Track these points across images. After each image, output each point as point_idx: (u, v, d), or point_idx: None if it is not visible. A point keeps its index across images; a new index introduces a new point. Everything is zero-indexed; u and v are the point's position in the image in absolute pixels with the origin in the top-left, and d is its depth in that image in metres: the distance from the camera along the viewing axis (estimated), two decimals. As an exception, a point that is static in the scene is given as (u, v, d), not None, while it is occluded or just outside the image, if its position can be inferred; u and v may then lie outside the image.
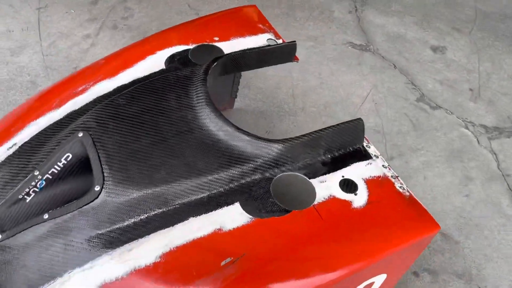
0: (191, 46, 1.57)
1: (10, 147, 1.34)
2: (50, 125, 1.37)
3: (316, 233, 1.17)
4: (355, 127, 1.32)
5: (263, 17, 1.76)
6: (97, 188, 1.14)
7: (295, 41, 1.56)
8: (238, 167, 1.20)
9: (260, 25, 1.71)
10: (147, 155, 1.20)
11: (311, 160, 1.28)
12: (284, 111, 2.26)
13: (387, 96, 2.41)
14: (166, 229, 1.13)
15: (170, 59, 1.51)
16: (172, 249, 1.10)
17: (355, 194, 1.23)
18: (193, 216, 1.14)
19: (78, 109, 1.38)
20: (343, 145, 1.32)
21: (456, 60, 2.69)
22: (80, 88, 1.47)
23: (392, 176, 1.29)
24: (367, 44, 2.69)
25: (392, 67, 2.57)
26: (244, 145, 1.23)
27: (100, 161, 1.18)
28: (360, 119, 1.32)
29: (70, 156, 1.23)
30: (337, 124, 1.30)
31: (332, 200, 1.22)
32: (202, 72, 1.38)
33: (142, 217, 1.13)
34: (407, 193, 1.26)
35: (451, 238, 1.85)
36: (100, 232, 1.11)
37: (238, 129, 1.24)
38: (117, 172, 1.16)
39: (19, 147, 1.33)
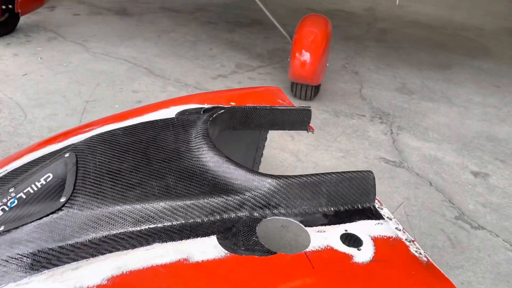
0: (205, 106, 1.57)
1: (1, 173, 1.30)
2: (46, 154, 1.34)
3: (303, 282, 0.94)
4: (364, 180, 1.16)
5: (284, 96, 1.77)
6: (62, 199, 1.03)
7: (309, 107, 1.52)
8: (223, 198, 1.06)
9: (280, 100, 1.71)
10: (126, 175, 1.10)
11: (310, 209, 1.11)
12: (304, 210, 2.09)
13: (421, 210, 2.19)
14: (125, 251, 0.96)
15: (182, 112, 1.50)
16: (124, 272, 0.91)
17: (358, 249, 1.01)
18: (159, 242, 0.97)
19: (77, 142, 1.35)
20: (349, 200, 1.15)
21: (500, 187, 2.48)
22: (87, 129, 1.46)
23: (407, 240, 1.07)
24: (401, 161, 2.58)
25: (428, 185, 2.40)
26: (234, 176, 1.10)
27: (76, 176, 1.09)
28: (370, 171, 1.17)
29: (51, 176, 1.16)
30: (342, 172, 1.15)
31: (329, 250, 1.00)
32: (207, 116, 1.34)
33: (102, 234, 0.98)
34: (425, 259, 1.02)
35: None
36: (49, 247, 0.96)
37: (231, 160, 1.13)
38: (89, 186, 1.05)
39: (9, 172, 1.28)
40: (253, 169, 2.05)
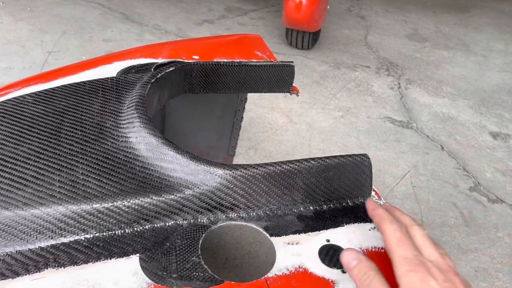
0: (159, 61, 1.22)
1: None
2: None
3: (259, 330, 0.64)
4: (357, 167, 0.84)
5: (265, 46, 1.41)
6: None
7: (292, 62, 1.16)
8: (154, 199, 0.75)
9: (258, 52, 1.35)
10: (18, 165, 0.78)
11: (280, 209, 0.80)
12: (294, 181, 1.79)
13: (430, 180, 1.89)
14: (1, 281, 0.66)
15: (126, 70, 1.16)
16: (-7, 318, 0.62)
17: (343, 272, 0.71)
18: (54, 267, 0.68)
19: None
20: (336, 194, 0.83)
21: (523, 151, 2.15)
22: (2, 92, 1.14)
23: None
24: (409, 121, 2.25)
25: (439, 149, 2.08)
26: (172, 166, 0.78)
27: None
28: (365, 154, 0.85)
29: None
30: (328, 157, 0.83)
31: (302, 274, 0.70)
32: (150, 75, 1.00)
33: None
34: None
35: None
36: None
37: (170, 142, 0.81)
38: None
39: None
40: (230, 138, 1.74)
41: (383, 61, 2.78)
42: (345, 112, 2.24)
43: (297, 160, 0.81)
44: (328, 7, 2.76)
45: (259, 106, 2.18)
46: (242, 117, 1.71)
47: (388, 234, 0.58)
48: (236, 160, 1.84)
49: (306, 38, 2.69)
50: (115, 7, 3.05)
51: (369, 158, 0.85)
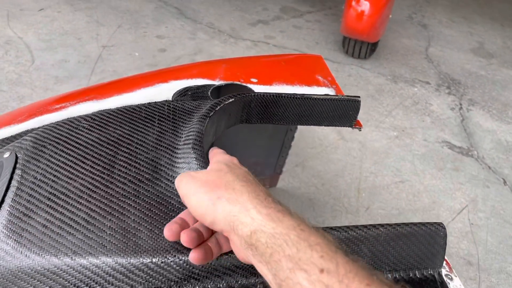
0: (216, 83, 1.16)
1: None
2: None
3: None
4: (431, 237, 0.75)
5: (327, 68, 1.33)
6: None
7: (359, 97, 1.08)
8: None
9: (320, 77, 1.27)
10: (71, 204, 0.75)
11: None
12: (341, 205, 1.71)
13: (490, 218, 1.75)
14: None
15: (182, 92, 1.11)
16: None
17: None
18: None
19: (32, 129, 1.01)
20: (403, 264, 0.75)
21: None
22: (58, 106, 1.12)
23: None
24: (470, 148, 2.10)
25: (501, 183, 1.92)
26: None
27: (6, 190, 0.76)
28: (440, 223, 0.76)
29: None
30: (399, 224, 0.75)
31: None
32: (209, 107, 0.94)
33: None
34: None
35: None
36: None
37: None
38: (15, 212, 0.72)
39: None
40: (279, 157, 1.68)
41: (444, 78, 2.62)
42: (401, 132, 2.11)
43: (365, 226, 0.74)
44: (391, 16, 2.61)
45: (309, 118, 2.09)
46: (293, 136, 1.64)
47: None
48: (283, 177, 1.78)
49: (364, 48, 2.56)
50: (170, 1, 3.03)
51: (445, 228, 0.77)
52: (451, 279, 0.80)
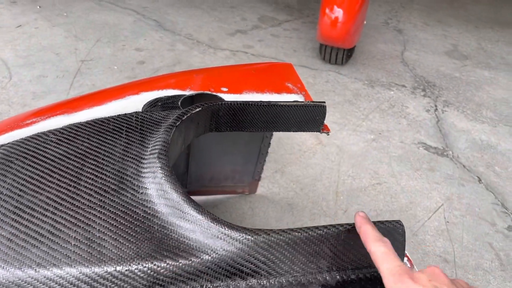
0: (187, 93, 1.19)
1: None
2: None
3: None
4: (390, 234, 0.78)
5: (296, 76, 1.36)
6: None
7: (324, 102, 1.11)
8: (170, 264, 0.71)
9: (289, 84, 1.30)
10: (35, 217, 0.76)
11: (304, 276, 0.75)
12: (320, 209, 1.74)
13: (465, 215, 1.79)
14: None
15: (152, 103, 1.13)
16: None
17: None
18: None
19: (1, 145, 1.02)
20: (365, 262, 0.78)
21: None
22: (29, 121, 1.13)
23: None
24: (445, 148, 2.14)
25: (476, 181, 1.97)
26: (191, 227, 0.74)
27: None
28: (398, 221, 0.79)
29: None
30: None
31: None
32: (175, 117, 0.96)
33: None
34: None
35: None
36: None
37: (191, 201, 0.77)
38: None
39: None
40: (257, 164, 1.70)
41: (419, 80, 2.67)
42: (378, 136, 2.15)
43: (325, 226, 0.76)
44: (365, 22, 2.67)
45: (288, 125, 2.12)
46: (269, 143, 1.66)
47: (373, 251, 0.59)
48: (262, 184, 1.80)
49: (340, 54, 2.61)
50: (148, 14, 3.06)
51: (403, 226, 0.80)
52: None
